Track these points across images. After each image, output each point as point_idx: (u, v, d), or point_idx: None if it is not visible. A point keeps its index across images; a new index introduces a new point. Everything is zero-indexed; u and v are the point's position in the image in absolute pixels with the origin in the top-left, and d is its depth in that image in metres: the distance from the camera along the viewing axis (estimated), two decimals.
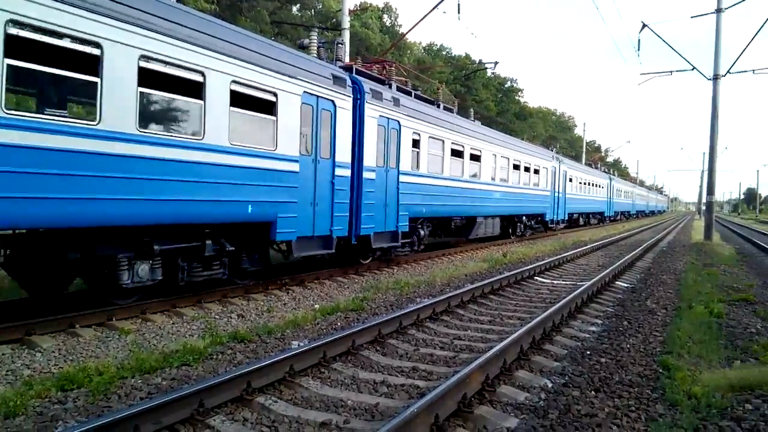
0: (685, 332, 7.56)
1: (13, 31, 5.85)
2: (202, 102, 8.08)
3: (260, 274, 10.51)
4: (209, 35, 8.17)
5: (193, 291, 9.14)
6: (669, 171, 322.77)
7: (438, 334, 7.73)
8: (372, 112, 12.15)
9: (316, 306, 9.32)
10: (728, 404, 5.01)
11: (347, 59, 17.67)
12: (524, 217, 25.00)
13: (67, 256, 7.21)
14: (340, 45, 14.03)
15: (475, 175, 18.29)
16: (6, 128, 5.83)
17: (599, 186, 42.47)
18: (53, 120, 6.35)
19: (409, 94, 14.83)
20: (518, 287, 11.79)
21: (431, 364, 6.31)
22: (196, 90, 8.03)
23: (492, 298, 10.46)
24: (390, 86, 13.91)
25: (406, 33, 33.14)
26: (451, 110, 18.18)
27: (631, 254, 17.73)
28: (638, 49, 27.00)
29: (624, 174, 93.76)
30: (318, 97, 10.52)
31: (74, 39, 6.40)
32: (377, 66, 15.38)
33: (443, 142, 15.78)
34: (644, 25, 24.78)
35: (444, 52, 66.99)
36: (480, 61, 55.56)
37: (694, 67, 25.46)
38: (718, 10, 23.90)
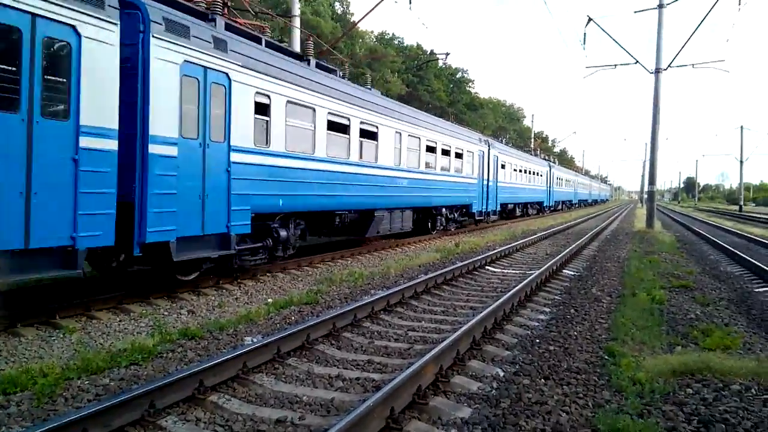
0: (628, 319, 7.87)
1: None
2: None
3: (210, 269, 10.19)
4: None
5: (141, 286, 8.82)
6: (613, 161, 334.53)
7: (392, 326, 7.79)
8: (167, 54, 8.18)
9: (269, 300, 9.21)
10: (671, 389, 5.24)
11: (297, 47, 17.13)
12: (444, 209, 21.70)
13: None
14: None
15: (370, 158, 14.78)
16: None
17: (537, 174, 39.58)
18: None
19: (257, 40, 10.84)
20: (470, 277, 12.00)
21: (386, 356, 6.36)
22: None
23: (445, 288, 10.60)
24: (214, 23, 9.60)
25: (359, 21, 33.02)
26: (333, 71, 14.04)
27: (577, 243, 18.33)
28: (584, 43, 27.98)
29: (570, 164, 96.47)
30: (36, 16, 6.42)
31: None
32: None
33: (314, 110, 12.03)
34: (590, 20, 25.43)
35: (396, 41, 66.94)
36: (432, 52, 55.78)
37: (637, 61, 26.30)
38: (660, 6, 24.73)
